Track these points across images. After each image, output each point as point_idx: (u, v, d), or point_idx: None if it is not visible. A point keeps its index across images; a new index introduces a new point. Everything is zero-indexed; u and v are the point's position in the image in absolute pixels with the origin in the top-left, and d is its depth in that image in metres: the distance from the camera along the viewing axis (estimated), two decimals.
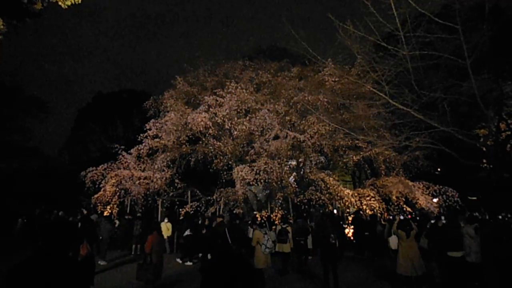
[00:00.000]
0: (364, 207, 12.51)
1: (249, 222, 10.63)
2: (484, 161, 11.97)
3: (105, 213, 13.27)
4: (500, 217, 11.73)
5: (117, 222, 11.23)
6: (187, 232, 10.04)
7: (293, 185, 13.12)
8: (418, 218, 13.51)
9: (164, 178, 13.31)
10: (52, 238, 1.82)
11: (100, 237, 9.63)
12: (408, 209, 13.64)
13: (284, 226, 8.66)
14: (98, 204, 13.42)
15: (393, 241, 8.08)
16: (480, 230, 6.43)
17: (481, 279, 6.38)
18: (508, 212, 12.69)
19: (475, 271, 6.28)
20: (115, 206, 13.53)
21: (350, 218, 13.88)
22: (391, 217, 12.50)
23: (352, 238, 12.10)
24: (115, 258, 10.11)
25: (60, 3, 5.72)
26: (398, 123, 9.22)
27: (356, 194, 12.96)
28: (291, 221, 11.50)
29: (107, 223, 10.50)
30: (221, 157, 13.79)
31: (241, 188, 12.09)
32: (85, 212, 11.61)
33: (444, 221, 7.78)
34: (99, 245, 9.68)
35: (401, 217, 8.36)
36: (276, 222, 12.12)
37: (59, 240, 1.82)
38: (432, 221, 8.33)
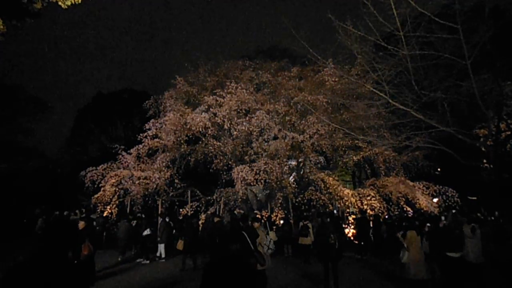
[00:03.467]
0: (365, 207, 12.50)
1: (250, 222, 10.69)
2: (484, 161, 11.95)
3: (105, 213, 13.27)
4: (493, 218, 11.74)
5: (134, 221, 11.44)
6: (147, 232, 10.22)
7: (293, 185, 13.11)
8: (419, 218, 13.49)
9: (163, 178, 13.29)
10: (52, 238, 1.82)
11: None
12: (409, 209, 13.63)
13: (305, 222, 10.03)
14: (98, 204, 13.40)
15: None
16: (480, 230, 6.43)
17: (480, 279, 6.37)
18: (507, 212, 12.66)
19: (474, 271, 6.27)
20: (114, 206, 13.51)
21: (350, 218, 13.87)
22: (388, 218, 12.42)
23: (352, 238, 12.09)
24: (116, 258, 10.15)
25: (60, 3, 5.71)
26: (398, 123, 9.22)
27: (356, 194, 12.96)
28: (290, 220, 11.77)
29: (125, 222, 10.96)
30: (221, 157, 13.79)
31: (241, 188, 12.06)
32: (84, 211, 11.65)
33: (444, 222, 7.77)
34: (117, 243, 10.74)
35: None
36: (277, 222, 12.15)
37: (59, 241, 1.82)
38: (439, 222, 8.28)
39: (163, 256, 10.34)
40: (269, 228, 10.70)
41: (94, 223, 9.86)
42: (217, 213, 13.73)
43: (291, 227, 11.11)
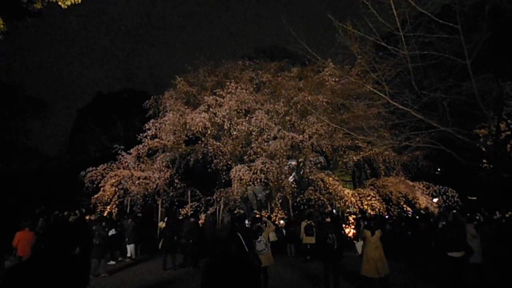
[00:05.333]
0: (366, 207, 12.50)
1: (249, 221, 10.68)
2: (484, 161, 11.96)
3: (105, 213, 13.26)
4: (495, 217, 11.73)
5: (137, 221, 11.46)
6: (112, 232, 10.09)
7: (293, 185, 13.10)
8: (417, 217, 13.49)
9: (163, 178, 13.28)
10: (53, 239, 1.82)
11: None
12: (408, 209, 13.63)
13: (309, 222, 10.11)
14: (98, 204, 13.39)
15: (359, 246, 6.97)
16: (480, 229, 6.43)
17: (481, 279, 6.37)
18: (507, 212, 12.67)
19: (476, 271, 6.27)
20: (114, 206, 13.50)
21: (350, 218, 13.87)
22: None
23: (352, 238, 12.07)
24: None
25: (60, 3, 5.72)
26: (398, 123, 9.22)
27: (356, 194, 12.95)
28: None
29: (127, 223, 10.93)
30: (221, 157, 13.78)
31: (238, 188, 12.02)
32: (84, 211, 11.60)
33: (443, 222, 7.77)
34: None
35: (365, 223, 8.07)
36: (277, 222, 12.14)
37: (60, 241, 1.82)
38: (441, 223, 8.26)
39: (133, 256, 10.45)
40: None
41: (104, 223, 9.78)
42: (217, 213, 13.72)
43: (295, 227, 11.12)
